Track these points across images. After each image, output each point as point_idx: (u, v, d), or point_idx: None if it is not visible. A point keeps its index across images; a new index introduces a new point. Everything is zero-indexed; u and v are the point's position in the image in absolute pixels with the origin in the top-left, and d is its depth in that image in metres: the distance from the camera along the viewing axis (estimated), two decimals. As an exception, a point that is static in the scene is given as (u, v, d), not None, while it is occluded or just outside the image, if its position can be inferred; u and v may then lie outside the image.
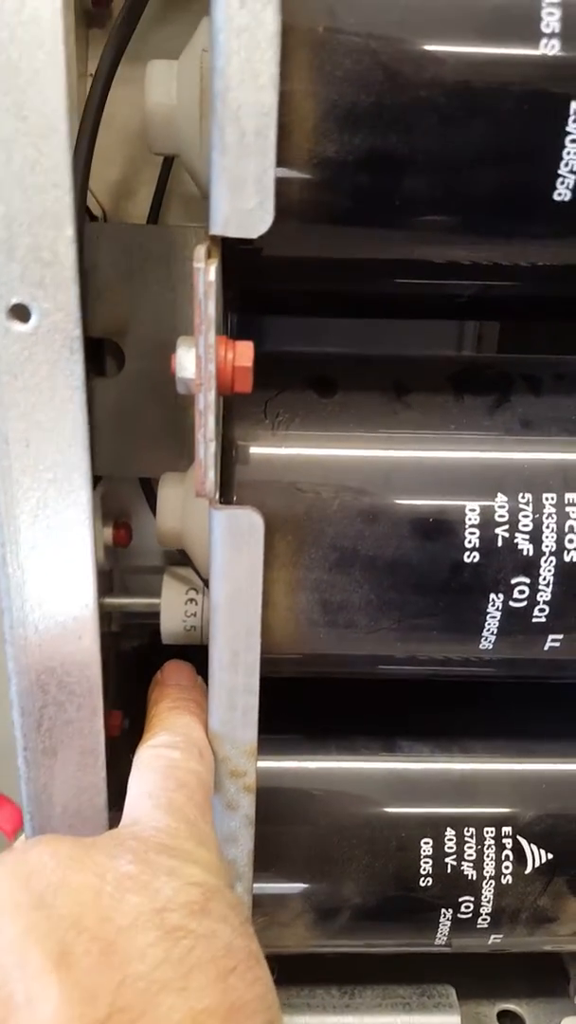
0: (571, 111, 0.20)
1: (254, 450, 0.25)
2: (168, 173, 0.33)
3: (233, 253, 0.22)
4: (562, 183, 0.21)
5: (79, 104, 0.30)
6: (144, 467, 0.35)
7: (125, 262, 0.31)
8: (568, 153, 0.20)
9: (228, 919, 0.19)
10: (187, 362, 0.20)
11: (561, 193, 0.21)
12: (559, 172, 0.20)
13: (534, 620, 0.25)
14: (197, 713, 0.26)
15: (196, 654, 0.29)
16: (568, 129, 0.20)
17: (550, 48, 0.20)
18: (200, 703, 0.27)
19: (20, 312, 0.20)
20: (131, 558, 0.41)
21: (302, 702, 0.31)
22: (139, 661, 0.47)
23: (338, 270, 0.25)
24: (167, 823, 0.21)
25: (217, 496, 0.23)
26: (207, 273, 0.19)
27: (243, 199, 0.20)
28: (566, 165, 0.20)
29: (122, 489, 0.38)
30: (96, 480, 0.36)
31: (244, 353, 0.21)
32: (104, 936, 0.17)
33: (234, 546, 0.23)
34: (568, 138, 0.20)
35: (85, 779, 0.25)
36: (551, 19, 0.20)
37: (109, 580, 0.41)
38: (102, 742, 0.25)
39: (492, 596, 0.25)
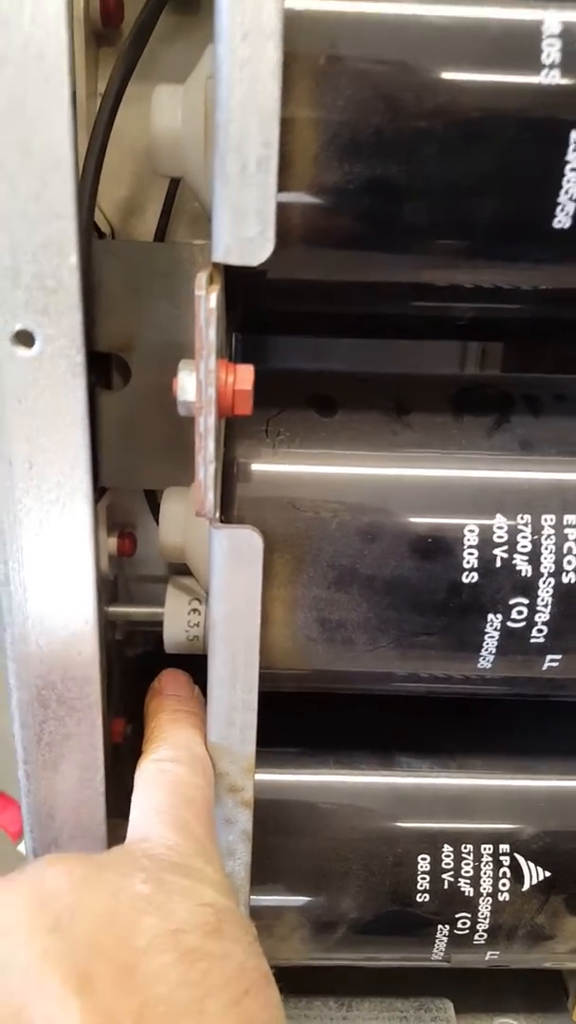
0: (571, 140, 0.20)
1: (254, 468, 0.25)
2: (175, 191, 0.33)
3: (238, 275, 0.22)
4: (562, 210, 0.21)
5: (88, 123, 0.31)
6: (149, 480, 0.35)
7: (132, 279, 0.31)
8: (568, 181, 0.20)
9: (240, 940, 0.19)
10: (188, 386, 0.21)
11: (560, 220, 0.21)
12: (559, 200, 0.21)
13: (532, 640, 0.25)
14: (197, 726, 0.26)
15: (198, 662, 0.30)
16: (567, 158, 0.20)
17: (550, 78, 0.20)
18: (199, 715, 0.27)
19: (24, 338, 0.20)
20: (136, 567, 0.42)
21: (302, 716, 0.31)
22: (142, 669, 0.48)
23: (341, 292, 0.25)
24: (176, 841, 0.21)
25: (217, 515, 0.23)
26: (208, 300, 0.20)
27: (244, 228, 0.20)
28: (566, 193, 0.21)
29: (127, 499, 0.39)
30: (101, 492, 0.37)
31: (244, 377, 0.21)
32: (122, 959, 0.17)
33: (233, 564, 0.23)
34: (568, 167, 0.20)
35: (84, 793, 0.26)
36: (551, 50, 0.20)
37: (114, 589, 0.42)
38: (101, 757, 0.26)
39: (490, 616, 0.25)
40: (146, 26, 0.30)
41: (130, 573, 0.42)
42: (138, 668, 0.47)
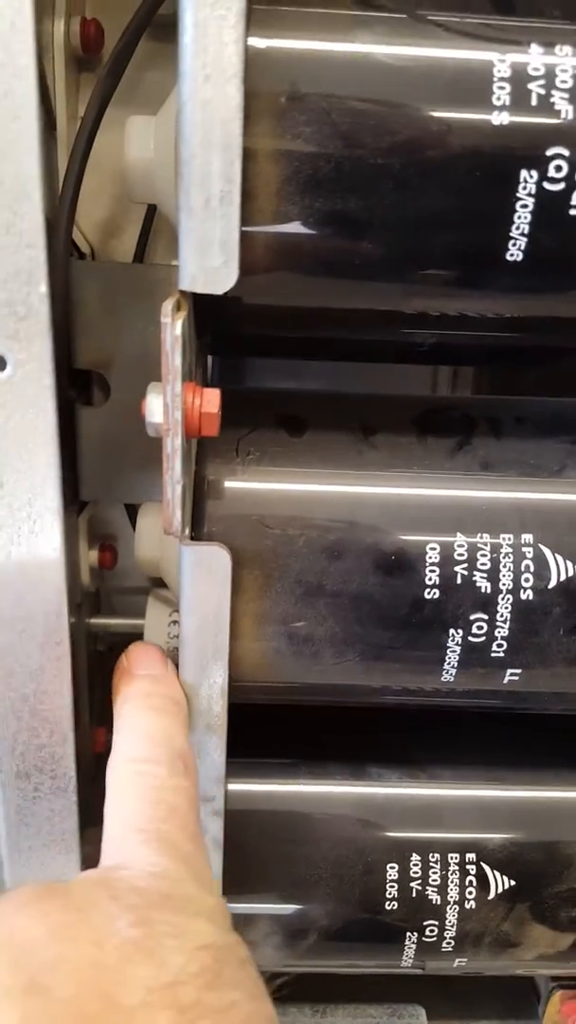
0: (520, 179, 0.21)
1: (225, 486, 0.26)
2: (154, 213, 0.34)
3: (209, 300, 0.23)
4: (514, 244, 0.22)
5: (68, 145, 0.31)
6: (128, 493, 0.36)
7: (110, 298, 0.32)
8: (519, 217, 0.21)
9: (242, 983, 0.17)
10: (156, 408, 0.22)
11: (513, 254, 0.22)
12: (511, 235, 0.22)
13: (493, 655, 0.26)
14: (175, 713, 0.23)
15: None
16: (518, 195, 0.21)
17: (501, 119, 0.21)
18: (177, 699, 0.24)
19: (-4, 362, 0.21)
20: (118, 579, 0.42)
21: (274, 727, 0.32)
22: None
23: (308, 318, 0.26)
24: (164, 866, 0.19)
25: (187, 533, 0.24)
26: (173, 328, 0.20)
27: (209, 258, 0.21)
28: (517, 228, 0.21)
29: (108, 512, 0.39)
30: (82, 505, 0.37)
31: (211, 400, 0.22)
32: (112, 1022, 0.15)
33: (202, 580, 0.24)
34: (518, 203, 0.21)
35: (58, 803, 0.26)
36: (502, 92, 0.21)
37: (96, 601, 0.42)
38: (73, 767, 0.26)
39: (452, 631, 0.26)
40: (124, 53, 0.31)
41: (112, 585, 0.43)
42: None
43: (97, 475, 0.36)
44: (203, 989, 0.16)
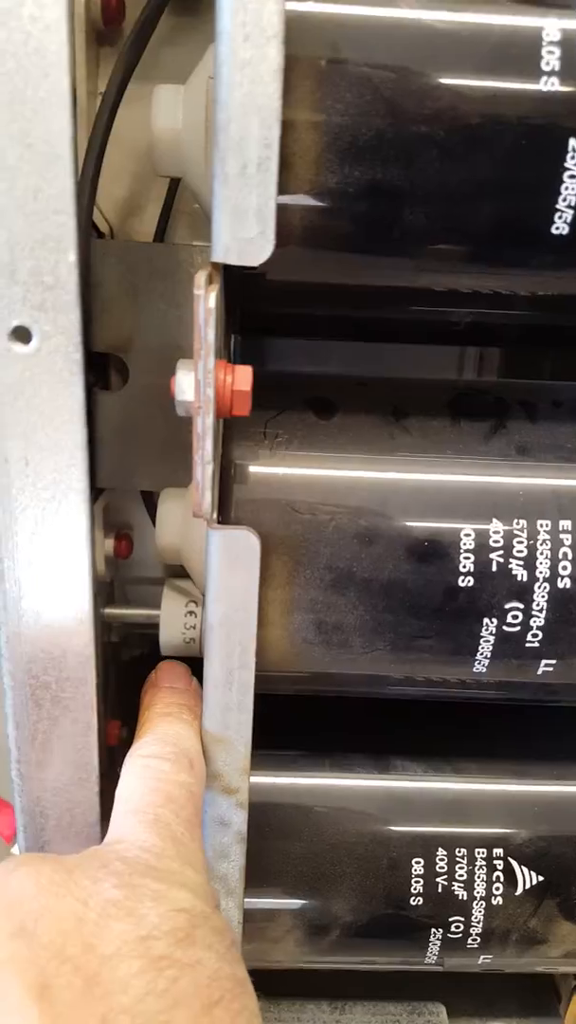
0: (569, 148, 0.20)
1: (252, 470, 0.25)
2: (175, 192, 0.33)
3: (237, 277, 0.22)
4: (560, 217, 0.21)
5: (88, 122, 0.30)
6: (146, 481, 0.35)
7: (130, 279, 0.31)
8: (566, 188, 0.21)
9: (214, 946, 0.19)
10: (186, 386, 0.21)
11: (559, 227, 0.21)
12: (557, 207, 0.21)
13: (527, 645, 0.25)
14: (190, 720, 0.26)
15: (195, 665, 0.30)
16: (566, 165, 0.20)
17: (549, 85, 0.20)
18: (194, 709, 0.26)
19: (21, 334, 0.20)
20: (132, 569, 0.42)
21: (298, 719, 0.31)
22: (139, 672, 0.48)
23: (339, 295, 0.25)
24: (153, 842, 0.21)
25: (215, 516, 0.23)
26: (207, 300, 0.20)
27: (244, 228, 0.20)
28: (564, 200, 0.21)
29: (124, 501, 0.39)
30: (98, 493, 0.36)
31: (243, 378, 0.21)
32: (87, 966, 0.17)
33: (230, 566, 0.23)
34: (566, 173, 0.20)
35: (79, 794, 0.26)
36: (551, 57, 0.20)
37: (110, 590, 0.42)
38: (96, 758, 0.25)
39: (486, 620, 0.25)
40: (147, 26, 0.30)
41: (127, 575, 0.42)
42: (134, 671, 0.47)
43: (114, 462, 0.35)
44: (174, 945, 0.18)
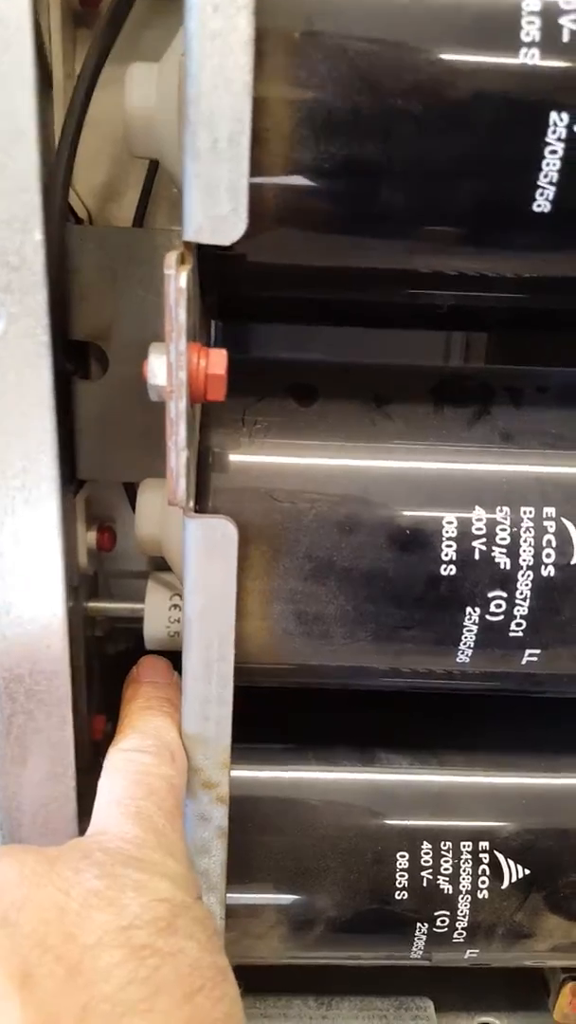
0: (550, 122, 0.20)
1: (230, 458, 0.25)
2: (154, 176, 0.33)
3: (213, 259, 0.21)
4: (541, 195, 0.20)
5: (64, 105, 0.30)
6: (128, 472, 0.35)
7: (109, 265, 0.31)
8: (547, 164, 0.20)
9: (195, 935, 0.19)
10: (158, 369, 0.20)
11: (540, 204, 0.20)
12: (538, 183, 0.20)
13: (511, 635, 0.25)
14: (171, 713, 0.26)
15: (180, 659, 0.29)
16: (548, 140, 0.20)
17: (530, 57, 0.19)
18: (174, 702, 0.26)
19: (-12, 317, 0.20)
20: (116, 562, 0.41)
21: (281, 711, 0.31)
22: (124, 666, 0.47)
23: (319, 278, 0.25)
24: (135, 833, 0.21)
25: (191, 505, 0.23)
26: (178, 280, 0.19)
27: (216, 205, 0.19)
28: (545, 176, 0.20)
29: (106, 493, 0.38)
30: (79, 485, 0.36)
31: (217, 361, 0.21)
32: (69, 955, 0.17)
33: (207, 555, 0.23)
34: (547, 149, 0.20)
35: (56, 789, 0.25)
36: (531, 28, 0.19)
37: (94, 584, 0.41)
38: (72, 752, 0.25)
39: (468, 609, 0.24)
40: (122, 6, 0.29)
41: (111, 568, 0.41)
42: (119, 665, 0.47)
43: (95, 453, 0.34)
44: (155, 935, 0.18)
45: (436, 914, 0.29)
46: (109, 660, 0.45)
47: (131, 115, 0.24)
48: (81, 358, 0.34)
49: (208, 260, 0.22)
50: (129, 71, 0.24)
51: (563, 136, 0.20)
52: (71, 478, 0.35)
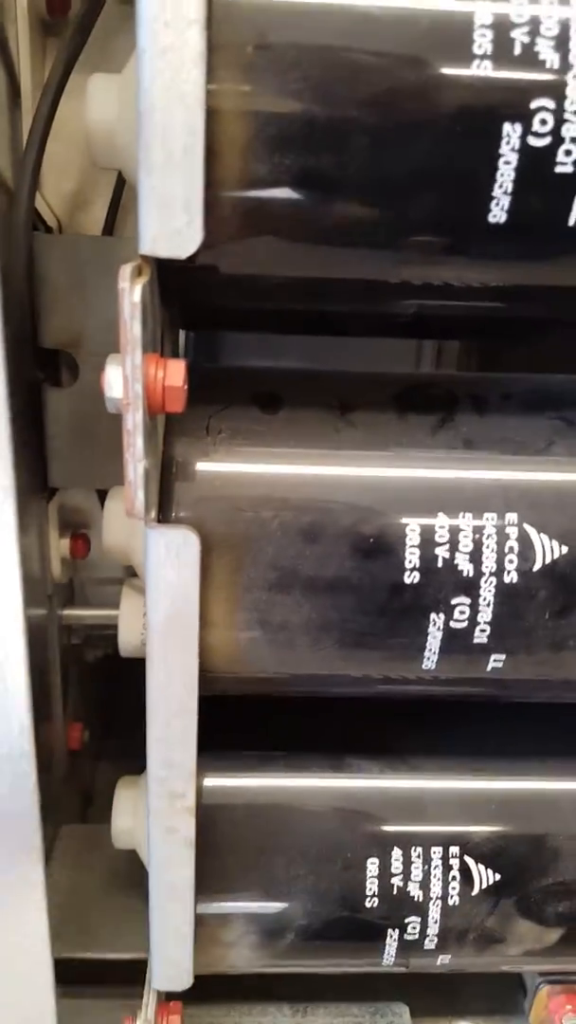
0: (503, 133, 0.20)
1: (193, 467, 0.25)
2: (123, 185, 0.33)
3: (175, 270, 0.21)
4: (497, 204, 0.20)
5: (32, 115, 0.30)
6: (100, 479, 0.35)
7: (77, 274, 0.31)
8: (501, 175, 0.20)
9: None
10: (114, 381, 0.20)
11: (496, 215, 0.21)
12: (493, 194, 0.20)
13: (475, 641, 0.25)
14: None
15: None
16: (501, 151, 0.20)
17: (482, 69, 0.19)
18: None
19: None
20: (92, 569, 0.41)
21: (250, 718, 0.31)
22: (102, 672, 0.47)
23: (282, 288, 0.25)
24: None
25: (152, 515, 0.23)
26: (131, 294, 0.19)
27: (171, 219, 0.19)
28: (500, 187, 0.20)
29: (80, 499, 0.38)
30: (51, 492, 0.36)
31: (175, 373, 0.21)
32: None
33: (169, 565, 0.23)
34: (501, 160, 0.20)
35: (17, 803, 0.25)
36: (483, 40, 0.19)
37: (69, 592, 0.41)
38: (33, 766, 0.25)
39: (432, 616, 0.25)
40: (89, 16, 0.29)
41: (87, 576, 0.41)
42: (97, 672, 0.47)
43: (66, 460, 0.34)
44: None
45: (407, 921, 0.29)
46: (86, 667, 0.45)
47: (92, 127, 0.24)
48: (52, 366, 0.34)
49: (171, 271, 0.22)
50: (90, 82, 0.24)
51: (516, 147, 0.20)
52: (42, 485, 0.35)
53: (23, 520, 0.25)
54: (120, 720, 0.50)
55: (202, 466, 0.25)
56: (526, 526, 0.24)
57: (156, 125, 0.19)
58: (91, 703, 0.46)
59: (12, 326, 0.29)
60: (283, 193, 0.20)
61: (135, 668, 0.32)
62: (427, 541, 0.24)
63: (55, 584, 0.37)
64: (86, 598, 0.42)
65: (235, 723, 0.30)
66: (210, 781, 0.28)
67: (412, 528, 0.24)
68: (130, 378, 0.20)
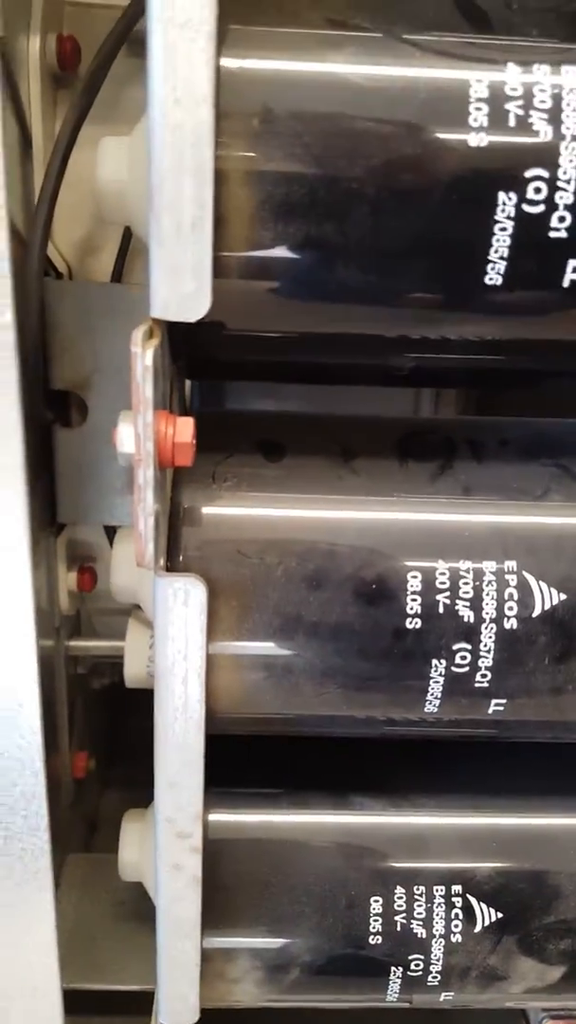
0: (499, 201, 0.21)
1: (200, 514, 0.25)
2: (131, 233, 0.34)
3: (185, 329, 0.22)
4: (493, 268, 0.21)
5: (44, 165, 0.31)
6: (107, 515, 0.36)
7: (87, 319, 0.32)
8: (497, 240, 0.21)
9: None
10: (126, 438, 0.21)
11: (492, 278, 0.21)
12: (489, 258, 0.21)
13: (477, 685, 0.25)
14: None
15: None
16: (497, 218, 0.21)
17: (478, 141, 0.20)
18: None
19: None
20: (99, 600, 0.42)
21: (255, 756, 0.31)
22: (107, 700, 0.48)
23: (287, 343, 0.25)
24: None
25: (163, 563, 0.23)
26: (144, 357, 0.20)
27: (181, 285, 0.20)
28: (496, 252, 0.21)
29: (87, 534, 0.39)
30: (60, 528, 0.37)
31: (184, 430, 0.22)
32: None
33: (177, 612, 0.23)
34: (497, 226, 0.21)
35: (31, 821, 0.25)
36: (479, 113, 0.20)
37: (76, 623, 0.42)
38: (45, 805, 0.25)
39: (434, 661, 0.25)
40: (100, 70, 0.30)
41: (94, 607, 0.42)
42: (103, 700, 0.47)
43: (75, 497, 0.35)
44: None
45: (410, 958, 0.29)
46: (93, 695, 0.46)
47: (103, 187, 0.25)
48: (62, 406, 0.35)
49: (179, 329, 0.22)
50: (101, 144, 0.25)
51: (511, 214, 0.21)
52: (51, 521, 0.36)
53: (32, 554, 0.26)
54: (125, 748, 0.50)
55: (209, 513, 0.25)
56: (525, 573, 0.25)
57: (166, 198, 0.20)
58: (97, 731, 0.46)
59: (26, 369, 0.30)
60: (287, 257, 0.21)
61: (141, 696, 0.32)
62: (428, 587, 0.25)
63: (63, 616, 0.38)
64: (93, 628, 0.43)
65: (241, 759, 0.31)
66: (216, 817, 0.29)
67: (414, 575, 0.25)
68: (142, 436, 0.21)
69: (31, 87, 0.32)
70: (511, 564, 0.25)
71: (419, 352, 0.25)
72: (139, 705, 0.31)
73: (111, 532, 0.38)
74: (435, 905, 0.29)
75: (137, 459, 0.21)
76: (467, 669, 0.25)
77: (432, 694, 0.26)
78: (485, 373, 0.30)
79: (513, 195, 0.20)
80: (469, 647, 0.25)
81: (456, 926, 0.29)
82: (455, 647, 0.25)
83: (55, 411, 0.34)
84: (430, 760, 0.32)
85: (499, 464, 0.26)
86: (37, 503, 0.33)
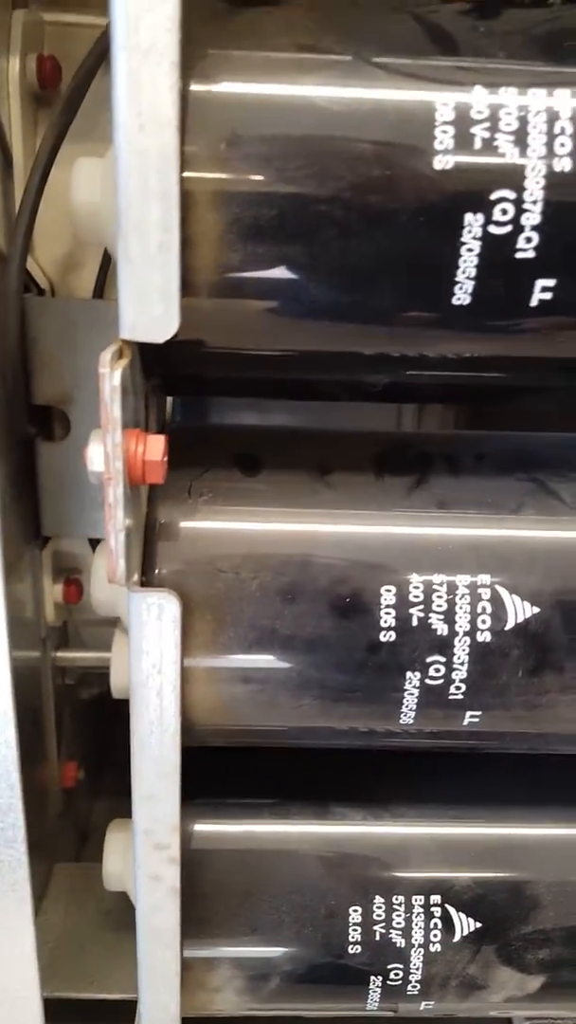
0: (465, 223, 0.21)
1: (175, 529, 0.26)
2: (113, 247, 0.34)
3: (157, 347, 0.22)
4: (460, 288, 0.21)
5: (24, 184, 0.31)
6: (91, 528, 0.36)
7: (68, 335, 0.32)
8: (464, 261, 0.21)
9: None
10: (96, 457, 0.21)
11: (460, 298, 0.22)
12: (456, 279, 0.21)
13: (451, 697, 0.26)
14: None
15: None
16: (463, 239, 0.21)
17: (444, 163, 0.21)
18: None
19: None
20: (86, 612, 0.42)
21: (235, 766, 0.32)
22: (96, 710, 0.48)
23: (261, 361, 0.26)
24: None
25: (134, 579, 0.24)
26: (112, 378, 0.20)
27: (149, 307, 0.20)
28: (463, 272, 0.21)
29: (73, 545, 0.39)
30: (44, 540, 0.37)
31: (155, 448, 0.22)
32: None
33: (151, 627, 0.24)
34: (463, 247, 0.21)
35: (6, 853, 0.26)
36: (445, 136, 0.21)
37: (63, 634, 0.42)
38: (21, 817, 0.26)
39: (409, 674, 0.25)
40: (79, 89, 0.31)
41: (80, 618, 0.42)
42: (92, 710, 0.47)
43: (59, 510, 0.35)
44: None
45: (389, 967, 0.30)
46: (81, 705, 0.46)
47: (77, 208, 0.25)
48: (44, 421, 0.35)
49: (150, 347, 0.23)
50: (75, 166, 0.25)
51: (478, 235, 0.21)
52: (36, 534, 0.36)
53: (17, 567, 0.26)
54: (116, 758, 0.50)
55: (184, 528, 0.26)
56: (498, 587, 0.25)
57: (133, 221, 0.20)
58: (86, 741, 0.46)
59: (6, 385, 0.30)
60: (257, 277, 0.21)
61: (125, 708, 0.33)
62: (402, 600, 0.25)
63: (49, 627, 0.38)
64: (80, 639, 0.43)
65: (220, 770, 0.31)
66: (196, 828, 0.29)
67: (388, 588, 0.25)
68: (111, 455, 0.21)
69: (11, 106, 0.33)
70: (484, 578, 0.25)
71: (392, 369, 0.25)
72: (128, 715, 0.31)
73: (97, 544, 0.38)
74: (414, 915, 0.29)
75: (107, 477, 0.21)
76: (441, 681, 0.25)
77: (407, 706, 0.26)
78: (461, 389, 0.30)
79: (480, 216, 0.21)
80: (443, 660, 0.25)
81: (435, 936, 0.29)
82: (429, 660, 0.25)
83: (38, 425, 0.34)
84: (410, 771, 0.32)
85: (475, 478, 0.27)
86: (19, 516, 0.33)
